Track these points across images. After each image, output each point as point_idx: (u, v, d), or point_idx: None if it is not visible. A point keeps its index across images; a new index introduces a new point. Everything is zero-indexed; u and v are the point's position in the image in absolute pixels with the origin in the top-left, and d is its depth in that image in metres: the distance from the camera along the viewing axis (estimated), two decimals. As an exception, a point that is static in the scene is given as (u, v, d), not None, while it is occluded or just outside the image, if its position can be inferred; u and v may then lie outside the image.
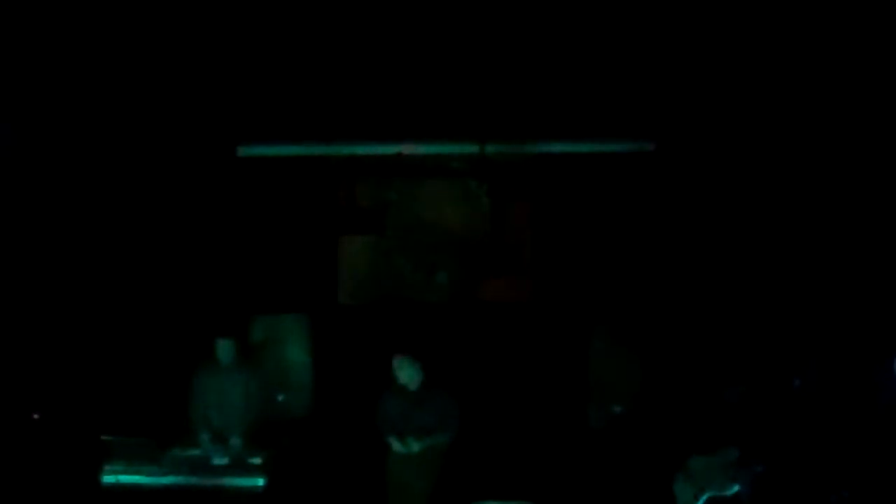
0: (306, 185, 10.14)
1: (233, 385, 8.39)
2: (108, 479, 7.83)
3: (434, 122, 9.58)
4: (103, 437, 7.88)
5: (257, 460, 8.00)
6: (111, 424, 8.30)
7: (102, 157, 9.60)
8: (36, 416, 9.06)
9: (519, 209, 10.19)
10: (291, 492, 8.44)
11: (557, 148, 9.93)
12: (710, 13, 8.24)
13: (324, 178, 10.13)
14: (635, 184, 9.91)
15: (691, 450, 5.41)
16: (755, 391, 8.52)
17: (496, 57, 8.75)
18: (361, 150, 10.00)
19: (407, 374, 8.13)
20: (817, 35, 8.27)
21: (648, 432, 9.34)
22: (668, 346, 9.66)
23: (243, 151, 10.02)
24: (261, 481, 7.91)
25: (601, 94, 9.29)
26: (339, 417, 9.90)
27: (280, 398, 9.65)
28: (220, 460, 7.98)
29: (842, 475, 7.32)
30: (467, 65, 8.84)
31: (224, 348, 8.42)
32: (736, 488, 5.16)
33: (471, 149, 9.73)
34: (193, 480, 7.86)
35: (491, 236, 10.07)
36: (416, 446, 7.96)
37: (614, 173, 9.95)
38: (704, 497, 5.22)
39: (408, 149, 9.97)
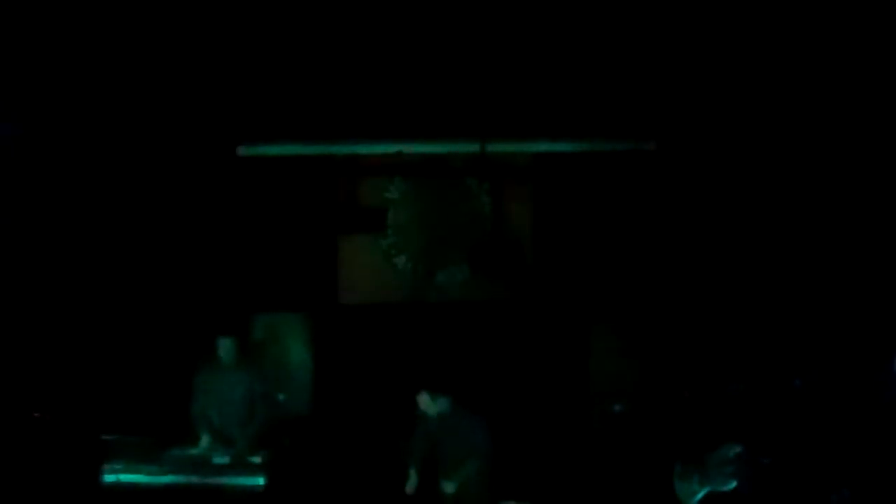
0: (307, 184, 10.13)
1: (234, 384, 8.36)
2: (108, 478, 7.83)
3: (434, 122, 9.57)
4: (104, 436, 7.88)
5: (257, 459, 8.00)
6: (112, 423, 8.31)
7: (103, 156, 9.60)
8: (37, 415, 9.06)
9: (519, 209, 10.19)
10: (291, 491, 8.44)
11: (558, 147, 9.94)
12: (710, 13, 8.25)
13: (324, 178, 10.12)
14: (636, 183, 9.91)
15: (692, 447, 5.39)
16: (756, 389, 8.53)
17: (497, 56, 8.75)
18: (362, 149, 10.00)
19: (431, 408, 8.04)
20: (817, 35, 8.27)
21: (648, 431, 9.35)
22: (669, 346, 9.67)
23: (243, 151, 10.00)
24: (261, 480, 7.91)
25: (602, 93, 9.29)
26: (339, 417, 9.92)
27: (280, 398, 9.65)
28: (220, 459, 7.97)
29: (842, 474, 7.33)
30: (468, 64, 8.84)
31: (226, 347, 8.41)
32: (734, 484, 5.15)
33: (471, 148, 9.73)
34: (194, 479, 7.84)
35: (491, 236, 10.06)
36: (450, 487, 7.91)
37: (615, 172, 9.95)
38: (703, 492, 5.21)
39: (408, 148, 9.98)
